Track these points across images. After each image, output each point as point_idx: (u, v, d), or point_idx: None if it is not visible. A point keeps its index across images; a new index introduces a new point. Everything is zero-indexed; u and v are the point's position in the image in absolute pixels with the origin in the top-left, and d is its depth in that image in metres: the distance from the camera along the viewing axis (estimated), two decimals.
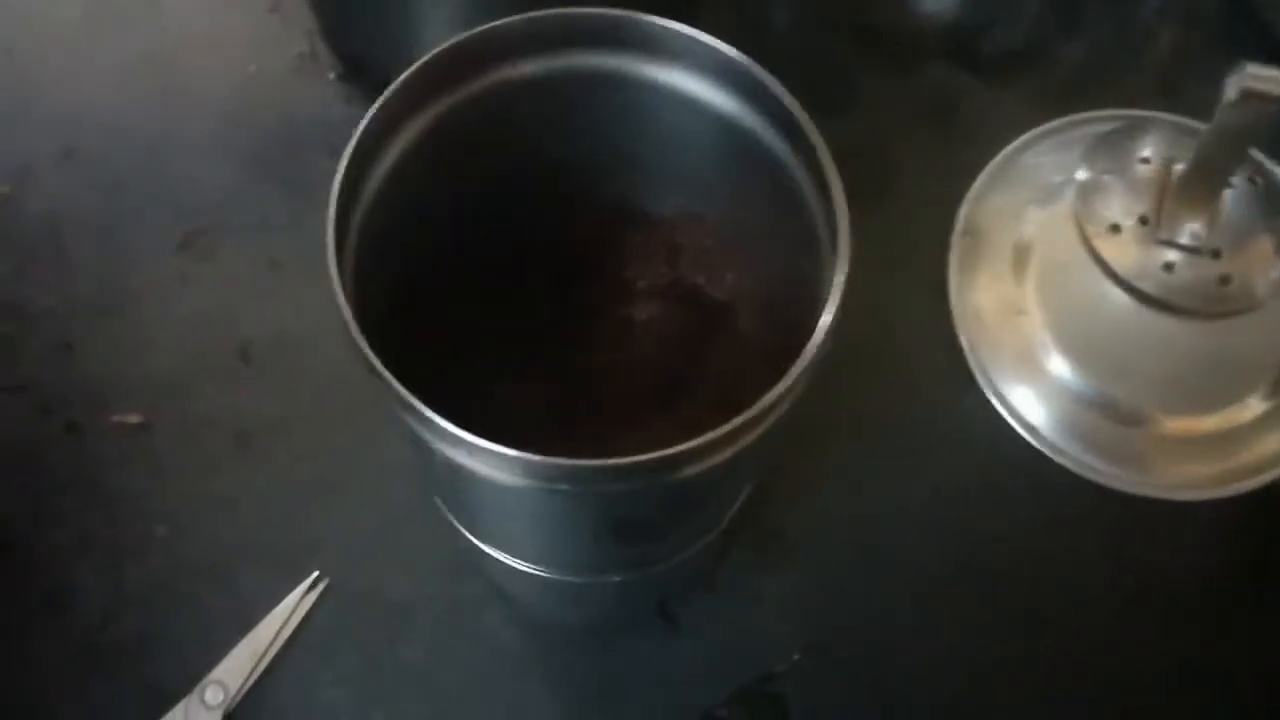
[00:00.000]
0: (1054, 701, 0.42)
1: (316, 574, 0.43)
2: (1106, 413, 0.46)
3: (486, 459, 0.24)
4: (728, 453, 0.25)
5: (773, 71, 0.28)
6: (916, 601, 0.44)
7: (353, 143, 0.27)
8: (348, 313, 0.25)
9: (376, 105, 0.27)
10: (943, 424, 0.47)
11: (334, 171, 0.28)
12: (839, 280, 0.25)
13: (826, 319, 0.25)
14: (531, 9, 0.29)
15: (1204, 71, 0.54)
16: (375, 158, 0.28)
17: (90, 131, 0.52)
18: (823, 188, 0.26)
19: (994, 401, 0.47)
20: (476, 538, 0.34)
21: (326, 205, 0.27)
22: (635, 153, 0.33)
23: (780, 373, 0.24)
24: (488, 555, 0.34)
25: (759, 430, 0.25)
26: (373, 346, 0.25)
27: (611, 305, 0.36)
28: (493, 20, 0.29)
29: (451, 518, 0.34)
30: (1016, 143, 0.52)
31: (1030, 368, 0.47)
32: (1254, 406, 0.46)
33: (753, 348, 0.34)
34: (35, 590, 0.43)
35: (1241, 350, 0.47)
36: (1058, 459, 0.46)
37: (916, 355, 0.48)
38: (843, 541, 0.45)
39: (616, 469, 0.23)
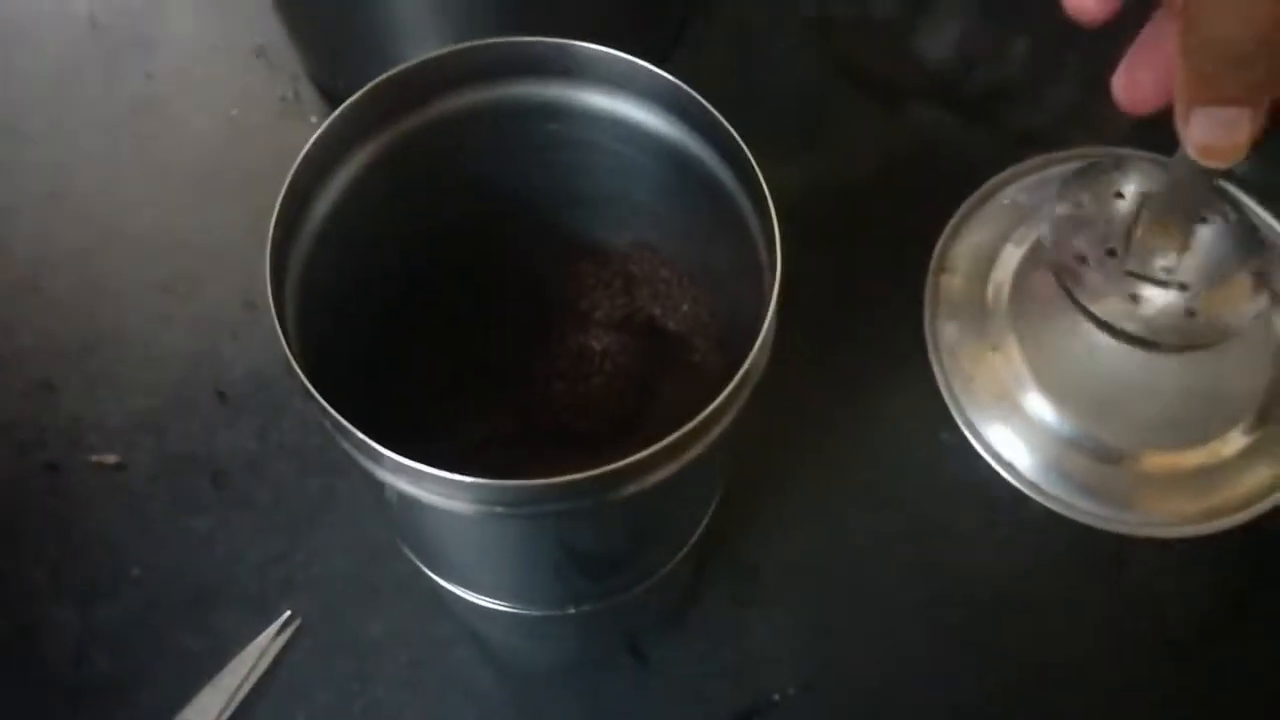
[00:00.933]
0: None
1: (289, 613, 0.43)
2: (1086, 450, 0.46)
3: (433, 486, 0.24)
4: (671, 468, 0.24)
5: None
6: (893, 639, 0.43)
7: (292, 172, 0.27)
8: (284, 344, 0.25)
9: (315, 136, 0.27)
10: (919, 461, 0.47)
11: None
12: (772, 299, 0.25)
13: (761, 336, 0.25)
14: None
15: None
16: (318, 191, 0.29)
17: (77, 176, 0.53)
18: (763, 214, 0.26)
19: (971, 439, 0.46)
20: (439, 575, 0.34)
21: None
22: (586, 183, 0.34)
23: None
24: (451, 593, 0.34)
25: (701, 445, 0.24)
26: (337, 392, 0.25)
27: (571, 335, 0.36)
28: None
29: (413, 557, 0.34)
30: (994, 180, 0.52)
31: (1007, 405, 0.47)
32: (1236, 441, 0.46)
33: (708, 377, 0.34)
34: (8, 628, 0.43)
35: (1222, 385, 0.47)
36: (1037, 497, 0.45)
37: (893, 392, 0.48)
38: (819, 580, 0.44)
39: (561, 486, 0.23)
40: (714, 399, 0.24)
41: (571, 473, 0.23)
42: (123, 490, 0.46)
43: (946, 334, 0.48)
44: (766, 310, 0.25)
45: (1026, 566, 0.45)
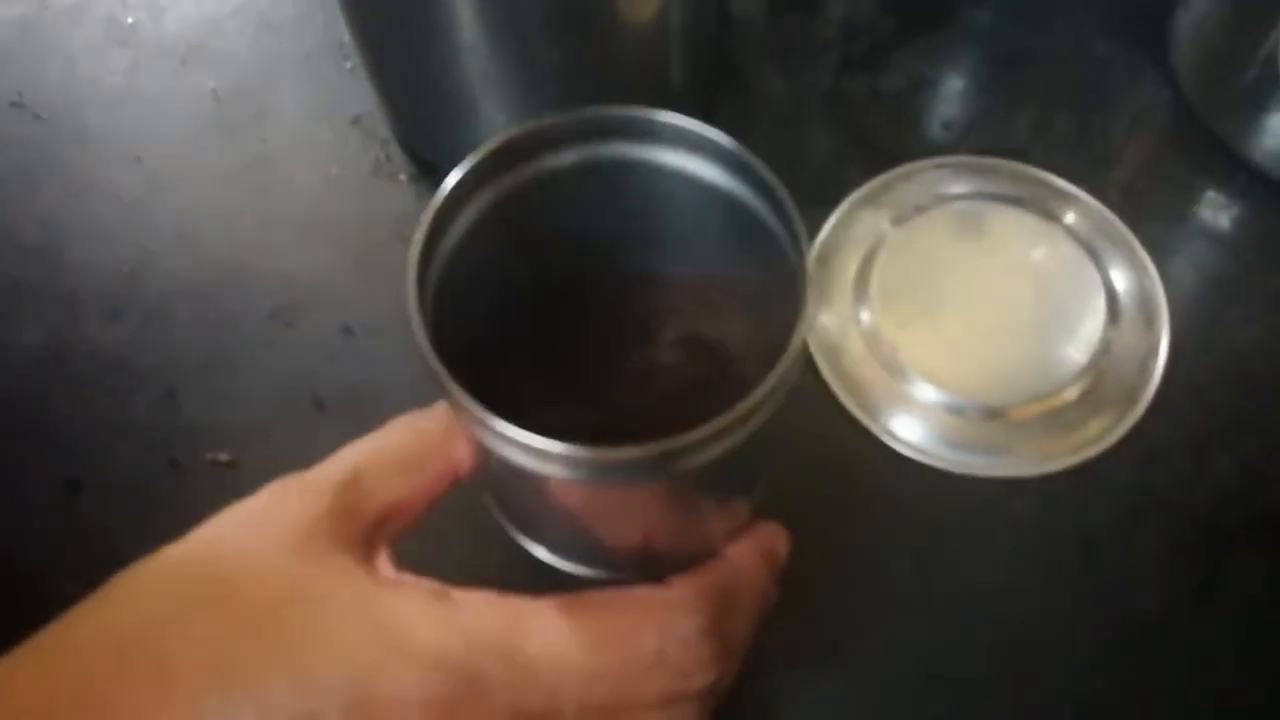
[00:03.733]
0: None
1: None
2: (969, 415, 0.54)
3: (538, 456, 0.30)
4: (725, 442, 0.31)
5: (780, 166, 0.35)
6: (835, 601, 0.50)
7: (430, 211, 0.33)
8: (422, 336, 0.31)
9: (447, 184, 0.33)
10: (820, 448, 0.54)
11: (403, 255, 0.35)
12: (806, 313, 0.32)
13: (796, 339, 0.32)
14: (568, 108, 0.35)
15: (1162, 170, 0.63)
16: (443, 232, 0.34)
17: (201, 222, 0.62)
18: (798, 252, 0.34)
19: (865, 421, 0.54)
20: (522, 535, 0.40)
21: (394, 282, 0.33)
22: (659, 225, 0.39)
23: None
24: (532, 555, 0.41)
25: (747, 427, 0.31)
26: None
27: (641, 350, 0.42)
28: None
29: (507, 527, 0.41)
30: (897, 170, 0.61)
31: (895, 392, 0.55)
32: (1075, 389, 0.54)
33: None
34: None
35: (1058, 349, 0.56)
36: (933, 462, 0.53)
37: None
38: None
39: (626, 457, 0.30)
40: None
41: None
42: (234, 485, 0.54)
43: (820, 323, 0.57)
44: (794, 331, 0.32)
45: (938, 519, 0.52)
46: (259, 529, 0.34)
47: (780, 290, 0.36)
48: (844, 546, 0.51)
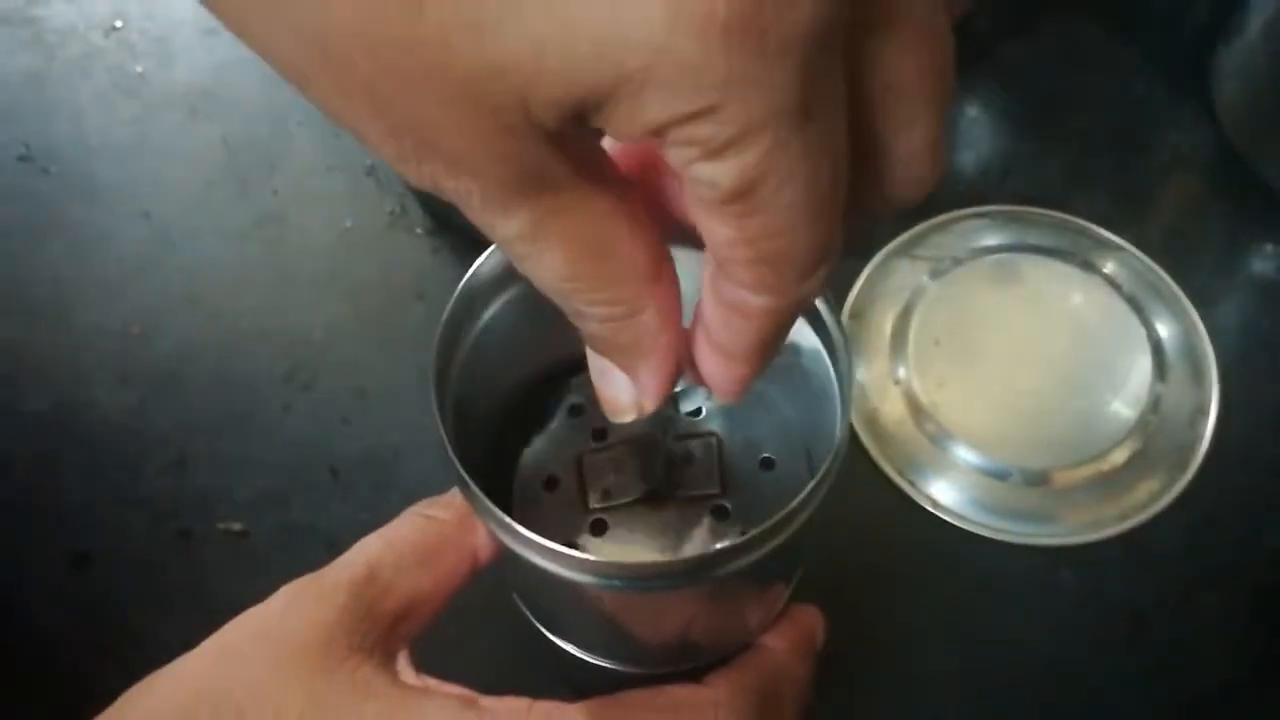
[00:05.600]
0: None
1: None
2: (1009, 480, 0.52)
3: (567, 563, 0.29)
4: (764, 549, 0.29)
5: None
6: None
7: (451, 304, 0.32)
8: (449, 443, 0.30)
9: (458, 290, 0.32)
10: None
11: (420, 312, 0.34)
12: (842, 426, 0.31)
13: (836, 443, 0.30)
14: None
15: (1205, 215, 0.60)
16: (476, 312, 0.34)
17: (212, 280, 0.60)
18: (835, 359, 0.32)
19: (902, 485, 0.52)
20: (549, 631, 0.39)
21: (410, 342, 0.33)
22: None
23: None
24: (557, 646, 0.39)
25: (790, 529, 0.30)
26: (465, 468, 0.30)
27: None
28: None
29: (527, 613, 0.39)
30: (932, 220, 0.59)
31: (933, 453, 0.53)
32: (1124, 452, 0.52)
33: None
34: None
35: (1104, 406, 0.53)
36: (975, 529, 0.51)
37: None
38: None
39: (659, 567, 0.29)
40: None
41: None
42: (247, 556, 0.52)
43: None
44: (838, 429, 0.31)
45: (980, 589, 0.50)
46: (274, 639, 0.32)
47: (816, 389, 0.34)
48: (882, 620, 0.49)
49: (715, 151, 0.19)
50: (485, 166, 0.21)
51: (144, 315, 0.59)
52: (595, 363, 0.28)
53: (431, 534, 0.35)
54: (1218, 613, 0.49)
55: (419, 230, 0.61)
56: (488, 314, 0.35)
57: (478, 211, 0.22)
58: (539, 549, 0.29)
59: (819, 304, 0.33)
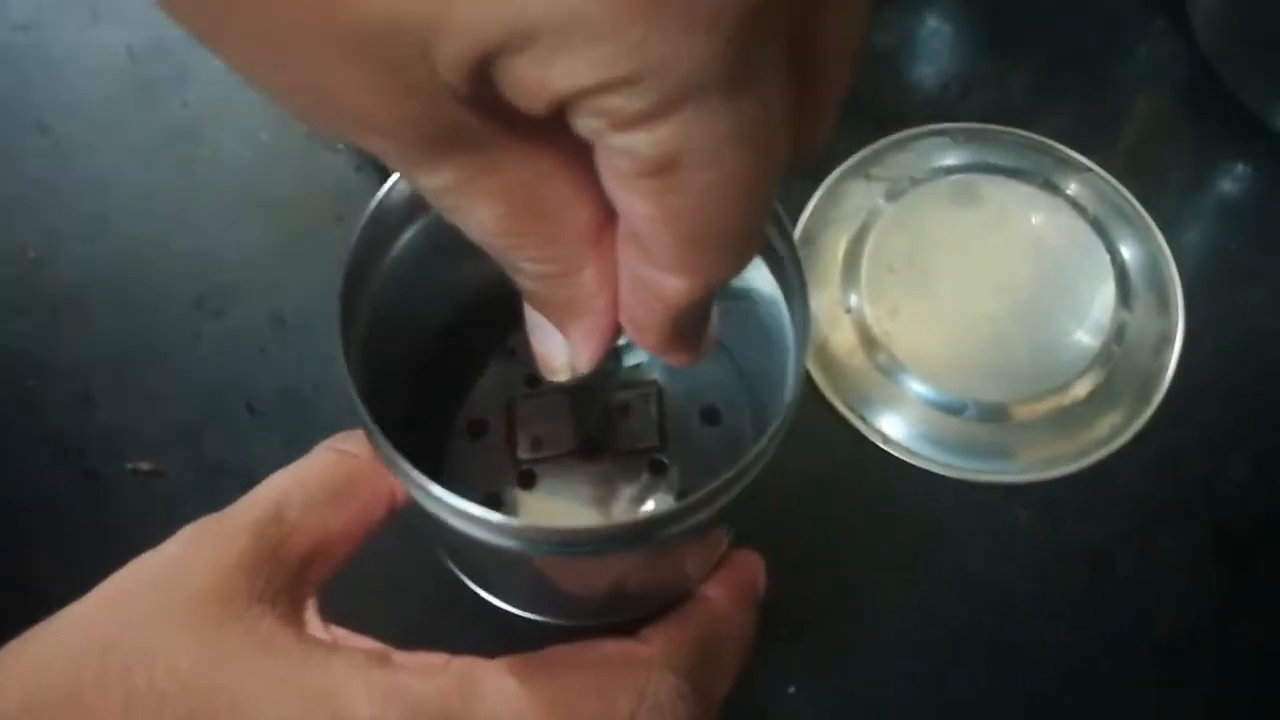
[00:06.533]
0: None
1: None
2: (967, 414, 0.49)
3: (484, 527, 0.26)
4: (703, 514, 0.27)
5: None
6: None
7: (350, 250, 0.29)
8: (353, 385, 0.27)
9: (364, 219, 0.29)
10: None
11: (340, 235, 0.30)
12: (796, 382, 0.28)
13: (787, 403, 0.27)
14: None
15: (1175, 136, 0.57)
16: (389, 239, 0.30)
17: (116, 199, 0.55)
18: (791, 305, 0.28)
19: (853, 420, 0.49)
20: (479, 587, 0.36)
21: (331, 265, 0.29)
22: None
23: None
24: (482, 599, 0.36)
25: (733, 492, 0.27)
26: (381, 411, 0.27)
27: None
28: None
29: (452, 566, 0.36)
30: (890, 138, 0.56)
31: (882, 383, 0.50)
32: (1087, 384, 0.50)
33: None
34: None
35: (1065, 336, 0.51)
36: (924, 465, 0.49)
37: None
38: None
39: (606, 530, 0.26)
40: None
41: None
42: (159, 498, 0.49)
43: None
44: (791, 383, 0.27)
45: (932, 529, 0.48)
46: (169, 588, 0.29)
47: (767, 333, 0.31)
48: (829, 561, 0.47)
49: (630, 122, 0.17)
50: (393, 127, 0.19)
51: (42, 238, 0.54)
52: (531, 317, 0.26)
53: (344, 470, 0.32)
54: (1179, 551, 0.47)
55: (340, 146, 0.57)
56: (404, 239, 0.31)
57: (396, 166, 0.21)
58: (451, 509, 0.26)
59: (776, 239, 0.30)
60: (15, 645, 0.28)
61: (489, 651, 0.30)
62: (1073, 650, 0.45)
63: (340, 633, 0.32)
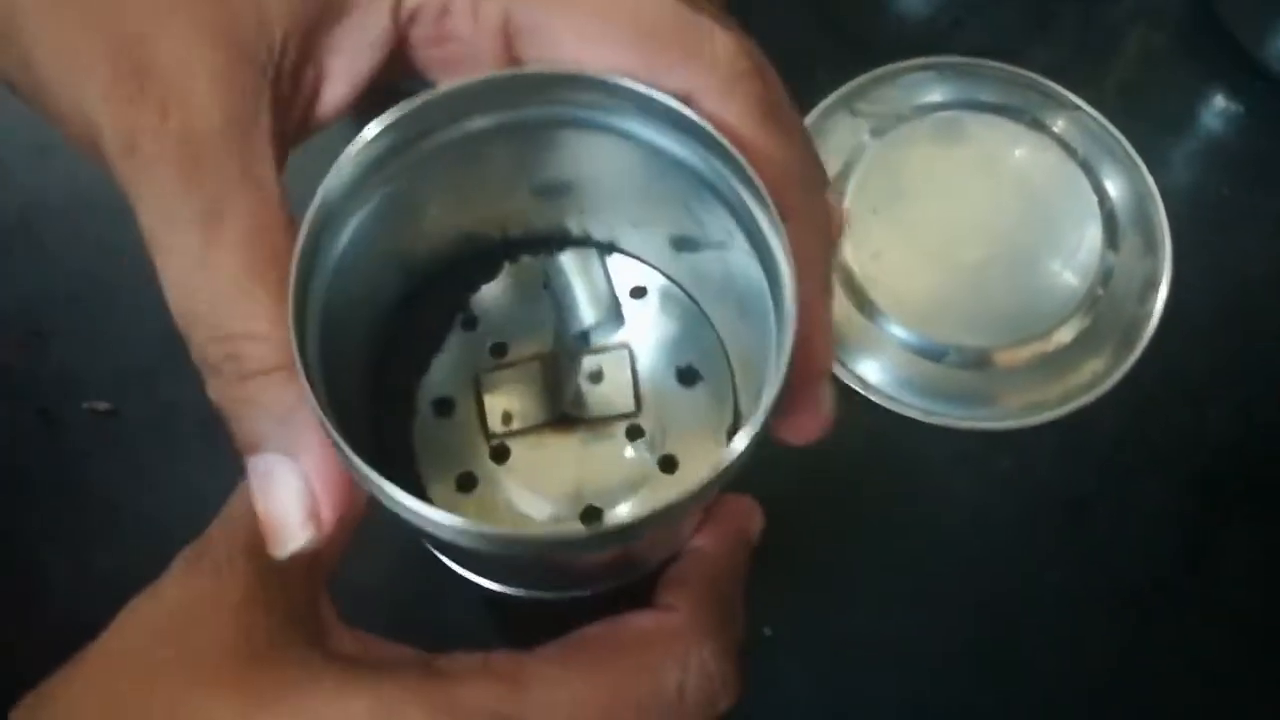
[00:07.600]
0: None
1: None
2: (948, 359, 0.48)
3: (448, 532, 0.24)
4: (691, 507, 0.26)
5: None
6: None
7: (314, 208, 0.26)
8: (311, 398, 0.24)
9: (327, 180, 0.26)
10: None
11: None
12: (787, 344, 0.25)
13: (778, 383, 0.25)
14: None
15: (1167, 73, 0.56)
16: (346, 215, 0.28)
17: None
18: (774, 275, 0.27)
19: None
20: (464, 569, 0.35)
21: (301, 185, 0.27)
22: (609, 196, 0.32)
23: None
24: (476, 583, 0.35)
25: (722, 483, 0.25)
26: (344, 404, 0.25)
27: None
28: None
29: (434, 551, 0.35)
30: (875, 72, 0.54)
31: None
32: (1071, 329, 0.49)
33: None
34: (4, 576, 0.45)
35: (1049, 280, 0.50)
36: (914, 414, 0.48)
37: None
38: None
39: (588, 536, 0.25)
40: None
41: None
42: (115, 438, 0.47)
43: None
44: (778, 367, 0.25)
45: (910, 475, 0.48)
46: (183, 641, 0.27)
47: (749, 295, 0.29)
48: (806, 508, 0.46)
49: None
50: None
51: None
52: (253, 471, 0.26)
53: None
54: (1158, 500, 0.47)
55: None
56: (349, 228, 0.29)
57: None
58: (431, 522, 0.24)
59: (753, 205, 0.27)
60: (29, 703, 0.27)
61: (486, 627, 0.29)
62: (1049, 596, 0.45)
63: (366, 638, 0.30)
